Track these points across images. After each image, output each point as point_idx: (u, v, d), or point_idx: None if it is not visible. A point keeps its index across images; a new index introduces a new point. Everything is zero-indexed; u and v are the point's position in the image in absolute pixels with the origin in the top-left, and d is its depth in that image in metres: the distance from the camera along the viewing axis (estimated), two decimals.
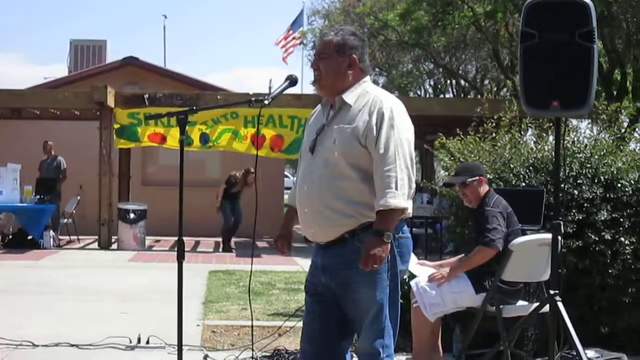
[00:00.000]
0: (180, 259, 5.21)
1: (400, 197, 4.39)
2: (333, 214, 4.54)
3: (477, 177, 7.06)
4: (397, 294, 4.64)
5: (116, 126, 18.50)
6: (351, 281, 4.55)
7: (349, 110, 4.61)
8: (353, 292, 4.57)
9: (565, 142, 8.08)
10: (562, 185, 7.42)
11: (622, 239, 7.58)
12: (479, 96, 27.91)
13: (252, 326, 8.03)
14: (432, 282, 6.89)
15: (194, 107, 5.50)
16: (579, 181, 7.79)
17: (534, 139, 9.43)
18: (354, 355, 4.99)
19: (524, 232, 6.97)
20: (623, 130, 9.13)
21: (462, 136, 9.32)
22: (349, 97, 4.64)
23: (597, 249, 7.52)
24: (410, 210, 4.58)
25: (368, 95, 4.63)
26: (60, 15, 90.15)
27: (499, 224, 6.77)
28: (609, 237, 7.54)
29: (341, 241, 4.57)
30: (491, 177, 8.01)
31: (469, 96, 31.67)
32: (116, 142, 18.75)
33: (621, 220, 7.65)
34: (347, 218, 4.53)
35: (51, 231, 18.36)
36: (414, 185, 4.51)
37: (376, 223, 4.41)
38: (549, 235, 5.94)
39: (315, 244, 4.80)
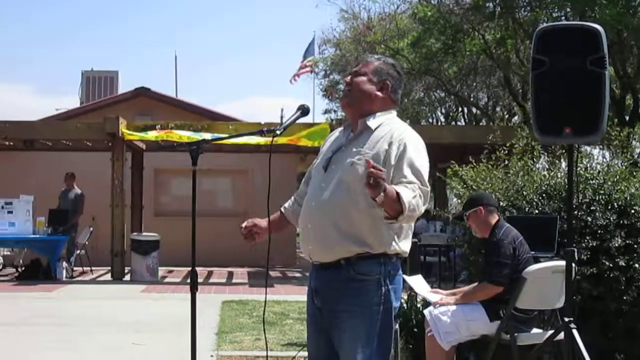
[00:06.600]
0: (194, 289, 5.18)
1: (415, 206, 4.18)
2: (334, 233, 4.43)
3: (475, 208, 7.06)
4: (390, 330, 4.51)
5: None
6: (340, 309, 4.45)
7: (370, 136, 4.52)
8: (341, 320, 4.46)
9: (578, 168, 8.05)
10: (576, 212, 7.39)
11: (637, 265, 7.56)
12: (491, 123, 27.84)
13: (267, 356, 8.00)
14: (439, 306, 6.89)
15: (206, 139, 5.49)
16: (592, 208, 7.77)
17: (547, 166, 9.41)
18: None
19: (537, 260, 6.94)
20: (636, 156, 9.10)
21: (474, 164, 9.32)
22: (372, 121, 4.55)
23: (611, 275, 7.49)
24: (407, 250, 4.50)
25: (391, 125, 4.55)
26: (72, 47, 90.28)
27: (506, 256, 6.75)
28: (624, 264, 7.51)
29: (336, 266, 4.47)
30: (504, 205, 7.99)
31: (480, 124, 31.58)
32: (125, 135, 18.42)
33: (635, 246, 7.63)
34: (346, 242, 4.41)
35: (64, 262, 18.36)
36: (422, 211, 4.33)
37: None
38: (562, 263, 5.92)
39: (311, 266, 4.70)
